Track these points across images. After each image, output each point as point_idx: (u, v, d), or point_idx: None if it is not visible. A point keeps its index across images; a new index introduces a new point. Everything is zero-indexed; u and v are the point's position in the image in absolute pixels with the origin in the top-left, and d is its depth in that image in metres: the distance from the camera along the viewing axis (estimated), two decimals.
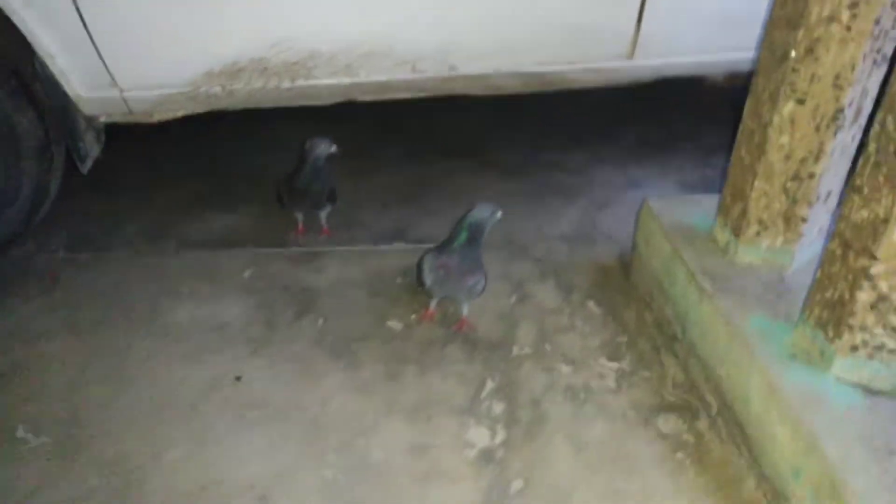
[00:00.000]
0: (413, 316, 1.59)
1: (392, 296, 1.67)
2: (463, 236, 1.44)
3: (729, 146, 2.56)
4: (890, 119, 0.98)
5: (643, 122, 2.68)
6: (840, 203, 1.19)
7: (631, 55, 1.85)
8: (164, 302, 1.64)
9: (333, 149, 1.72)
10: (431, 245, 1.51)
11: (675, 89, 2.28)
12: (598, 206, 2.09)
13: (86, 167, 1.68)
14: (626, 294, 1.65)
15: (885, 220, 0.97)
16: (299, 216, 1.91)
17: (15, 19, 1.46)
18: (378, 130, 2.59)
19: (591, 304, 1.61)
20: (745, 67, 2.01)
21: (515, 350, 1.48)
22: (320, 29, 1.63)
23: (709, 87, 2.62)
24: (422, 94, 1.88)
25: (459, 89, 1.89)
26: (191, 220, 2.01)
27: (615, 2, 1.73)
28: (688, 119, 2.69)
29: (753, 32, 1.84)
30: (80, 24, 1.48)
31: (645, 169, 2.33)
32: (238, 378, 1.42)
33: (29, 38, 1.49)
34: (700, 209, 1.62)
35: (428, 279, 1.48)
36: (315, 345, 1.51)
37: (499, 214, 1.46)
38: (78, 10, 1.46)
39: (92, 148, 1.71)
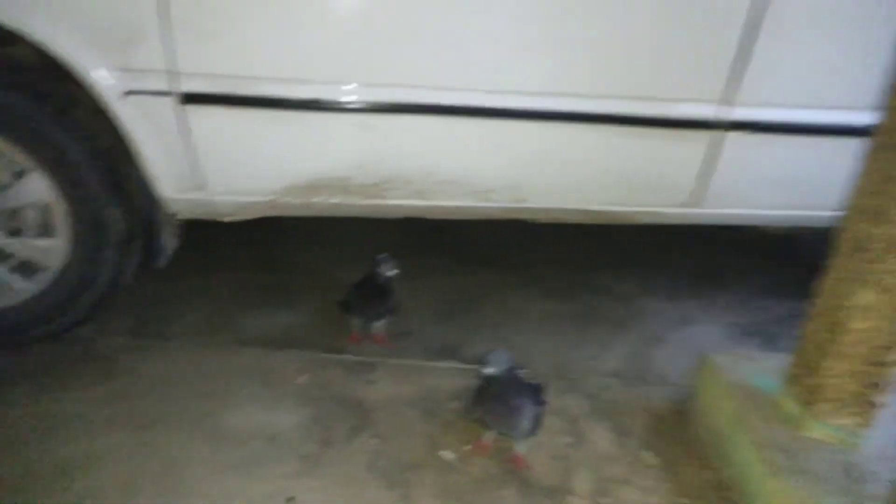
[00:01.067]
0: (467, 447, 1.58)
1: (445, 420, 1.66)
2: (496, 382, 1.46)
3: (774, 291, 2.55)
4: None
5: (690, 250, 2.73)
6: None
7: (695, 204, 1.90)
8: (220, 402, 1.64)
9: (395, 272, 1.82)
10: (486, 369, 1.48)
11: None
12: (649, 342, 2.10)
13: (161, 262, 1.73)
14: (683, 446, 1.63)
15: None
16: (356, 323, 1.93)
17: (121, 125, 1.54)
18: (422, 235, 2.64)
19: (647, 454, 1.59)
20: (802, 223, 2.07)
21: (571, 501, 1.45)
22: (406, 155, 1.71)
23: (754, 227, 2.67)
24: (486, 218, 1.94)
25: (524, 217, 1.95)
26: (248, 312, 2.04)
27: (681, 161, 1.80)
28: (731, 252, 2.74)
29: (814, 195, 1.91)
30: (187, 138, 1.56)
31: (693, 304, 2.35)
32: (290, 500, 1.40)
33: (130, 142, 1.57)
34: (761, 368, 1.63)
35: (476, 412, 1.50)
36: (368, 469, 1.49)
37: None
38: (188, 125, 1.54)
39: (169, 244, 1.76)
